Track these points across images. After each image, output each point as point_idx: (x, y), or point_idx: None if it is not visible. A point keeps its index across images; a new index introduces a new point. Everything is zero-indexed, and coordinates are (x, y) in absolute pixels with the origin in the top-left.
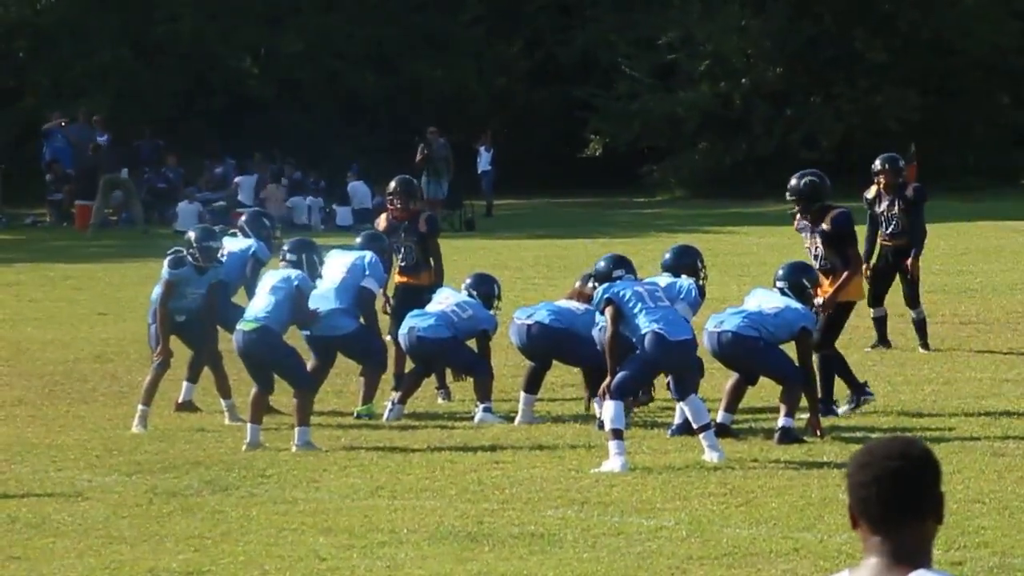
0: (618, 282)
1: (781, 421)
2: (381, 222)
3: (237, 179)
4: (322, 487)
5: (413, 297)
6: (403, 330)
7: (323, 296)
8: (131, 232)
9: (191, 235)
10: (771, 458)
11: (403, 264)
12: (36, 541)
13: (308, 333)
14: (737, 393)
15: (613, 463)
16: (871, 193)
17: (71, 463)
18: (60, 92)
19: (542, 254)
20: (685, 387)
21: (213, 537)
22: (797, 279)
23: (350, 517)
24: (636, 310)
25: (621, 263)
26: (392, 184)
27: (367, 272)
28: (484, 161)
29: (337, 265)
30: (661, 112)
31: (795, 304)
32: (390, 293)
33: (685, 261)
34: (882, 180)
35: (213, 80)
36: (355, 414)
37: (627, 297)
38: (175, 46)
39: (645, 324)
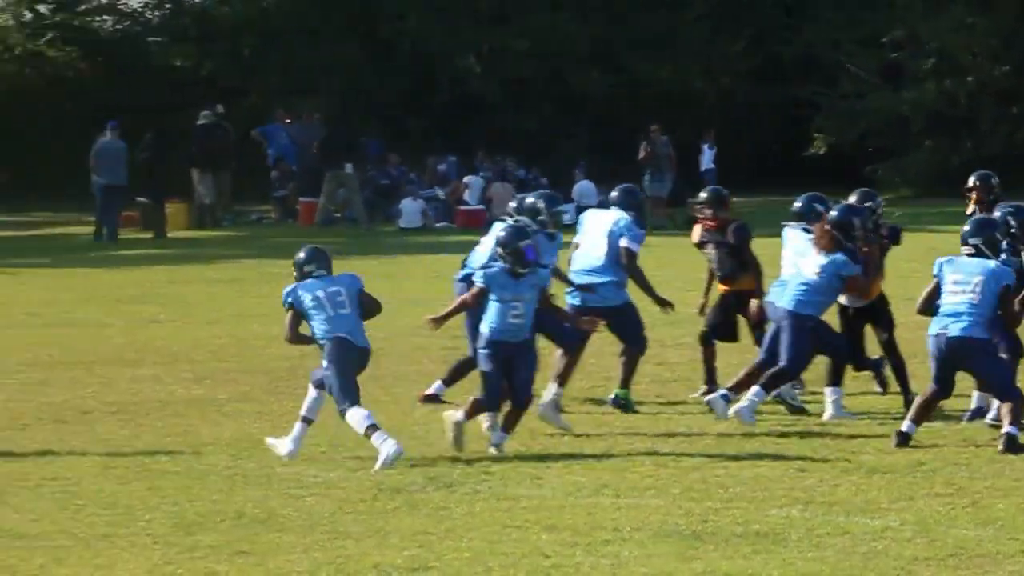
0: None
1: (1005, 428)
2: (695, 233)
3: (466, 179)
4: (545, 484)
5: (736, 302)
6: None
7: (594, 268)
8: (354, 229)
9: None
10: (996, 459)
11: (720, 273)
12: (263, 536)
13: (578, 303)
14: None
15: None
16: (968, 210)
17: (297, 458)
18: (286, 90)
19: (765, 253)
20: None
21: (438, 533)
22: (989, 234)
23: (574, 515)
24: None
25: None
26: (703, 194)
27: (623, 234)
28: (707, 159)
29: (596, 231)
30: (886, 111)
31: (991, 263)
32: (711, 300)
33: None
34: (973, 196)
35: (437, 78)
36: (613, 397)
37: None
38: (400, 44)
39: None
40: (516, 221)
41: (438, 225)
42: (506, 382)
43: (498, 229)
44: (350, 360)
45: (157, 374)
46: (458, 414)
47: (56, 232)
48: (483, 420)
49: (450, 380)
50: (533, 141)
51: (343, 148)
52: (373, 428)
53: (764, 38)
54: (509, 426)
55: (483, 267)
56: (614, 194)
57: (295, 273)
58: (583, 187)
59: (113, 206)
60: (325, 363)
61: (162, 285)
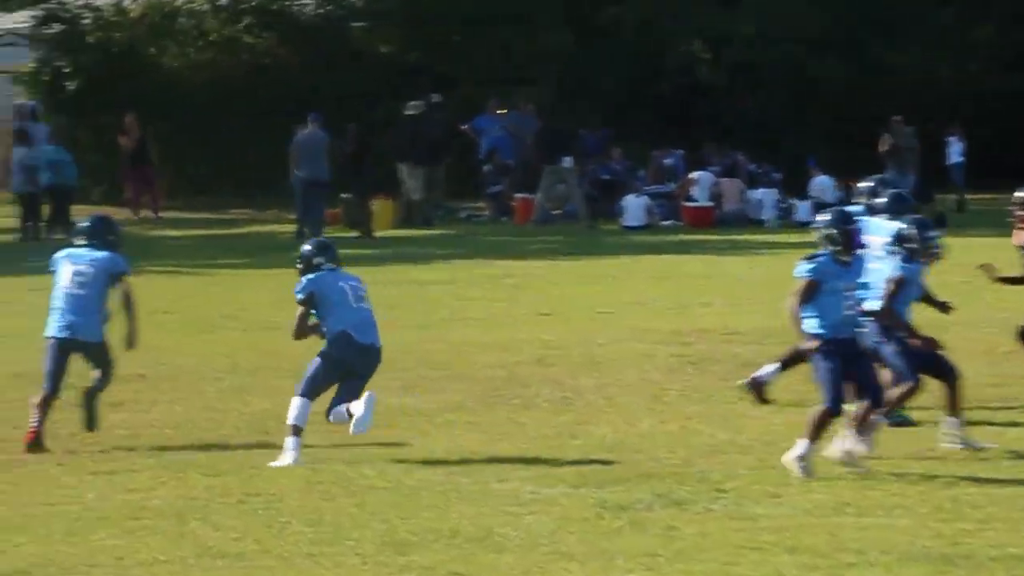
0: None
1: None
2: (1017, 236)
3: (694, 175)
4: (784, 502)
5: None
6: None
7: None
8: (574, 227)
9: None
10: None
11: None
12: (479, 556)
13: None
14: None
15: None
16: None
17: (513, 473)
18: (499, 79)
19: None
20: None
21: (667, 555)
22: None
23: (814, 535)
24: None
25: None
26: (1018, 193)
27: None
28: (955, 152)
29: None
30: None
31: None
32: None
33: None
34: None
35: (661, 66)
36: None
37: None
38: (621, 30)
39: None
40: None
41: (664, 223)
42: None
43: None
44: (343, 359)
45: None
46: (844, 444)
47: (256, 231)
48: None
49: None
50: (764, 132)
51: (561, 141)
52: (295, 430)
53: (1015, 23)
54: (866, 428)
55: (806, 259)
56: (881, 199)
57: (300, 266)
58: (821, 182)
59: (316, 202)
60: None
61: (369, 287)
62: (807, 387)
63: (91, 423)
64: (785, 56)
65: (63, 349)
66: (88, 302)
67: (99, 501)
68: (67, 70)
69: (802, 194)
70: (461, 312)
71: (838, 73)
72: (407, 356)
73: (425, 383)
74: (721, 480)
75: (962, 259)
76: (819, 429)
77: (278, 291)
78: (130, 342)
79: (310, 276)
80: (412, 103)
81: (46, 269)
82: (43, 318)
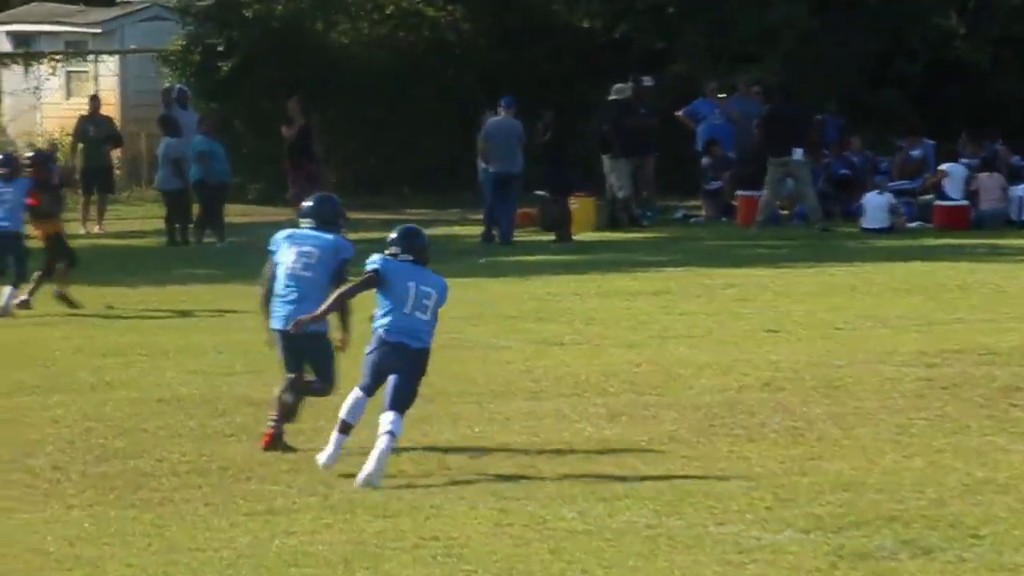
0: None
1: None
2: None
3: (945, 167)
4: None
5: None
6: None
7: None
8: (805, 230)
9: None
10: None
11: None
12: None
13: None
14: None
15: None
16: None
17: (735, 516)
18: (719, 57)
19: None
20: None
21: None
22: None
23: None
24: None
25: None
26: None
27: None
28: None
29: None
30: None
31: None
32: None
33: None
34: None
35: (910, 41)
36: None
37: None
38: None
39: None
40: None
41: (910, 225)
42: None
43: None
44: (385, 364)
45: (560, 408)
46: None
47: (436, 233)
48: None
49: None
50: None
51: (792, 129)
52: (342, 426)
53: None
54: None
55: None
56: None
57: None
58: None
59: (507, 201)
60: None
61: (566, 298)
62: None
63: (290, 414)
64: None
65: (289, 340)
66: (312, 287)
67: (253, 546)
68: (220, 48)
69: None
70: (674, 328)
71: None
72: (612, 379)
73: (633, 410)
74: (976, 525)
75: None
76: None
77: (463, 303)
78: (343, 343)
79: (385, 257)
80: (618, 86)
81: (193, 277)
82: (191, 335)
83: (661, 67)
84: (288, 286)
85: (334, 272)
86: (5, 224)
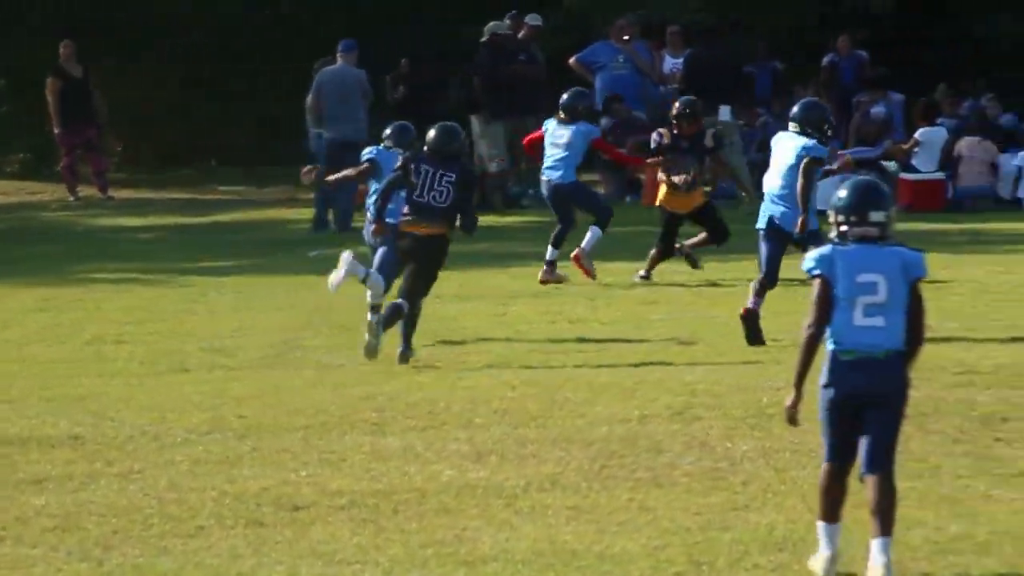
0: None
1: None
2: None
3: (920, 132)
4: None
5: None
6: None
7: None
8: (732, 212)
9: None
10: None
11: None
12: None
13: None
14: None
15: None
16: None
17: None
18: None
19: None
20: None
21: None
22: None
23: None
24: None
25: None
26: None
27: None
28: None
29: None
30: None
31: None
32: None
33: None
34: None
35: None
36: None
37: None
38: None
39: None
40: None
41: None
42: None
43: None
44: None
45: (412, 445)
46: None
47: (254, 219)
48: None
49: None
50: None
51: (716, 81)
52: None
53: None
54: None
55: None
56: None
57: None
58: None
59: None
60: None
61: (423, 302)
62: None
63: None
64: None
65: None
66: None
67: None
68: None
69: None
70: (560, 340)
71: None
72: (479, 407)
73: (505, 447)
74: None
75: None
76: None
77: (290, 309)
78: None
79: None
80: (491, 25)
81: None
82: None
83: (553, 2)
84: None
85: None
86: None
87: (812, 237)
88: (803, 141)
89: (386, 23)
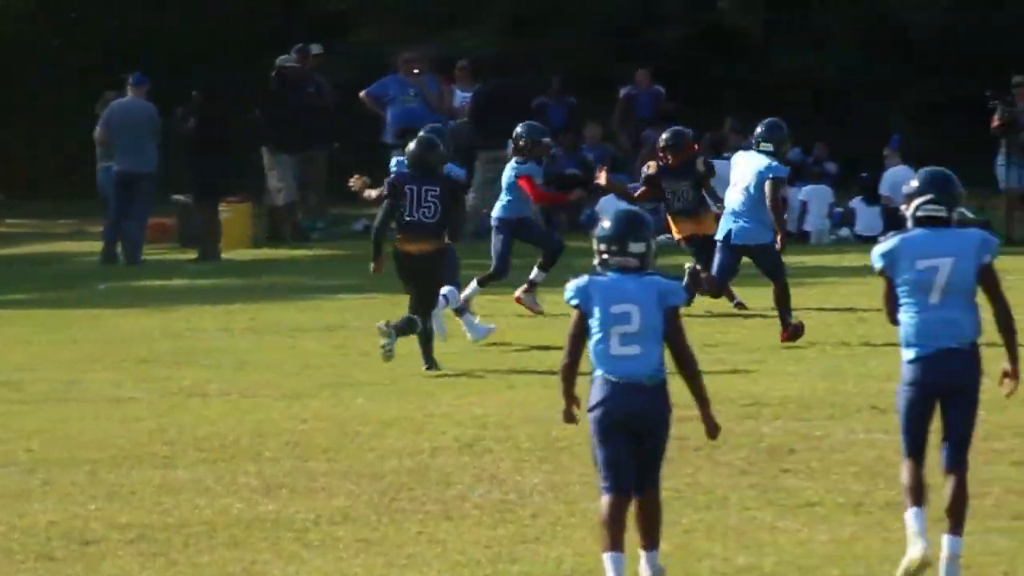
0: None
1: None
2: None
3: None
4: None
5: None
6: None
7: None
8: (522, 244)
9: None
10: None
11: None
12: None
13: None
14: None
15: None
16: None
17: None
18: (416, 19)
19: None
20: None
21: None
22: None
23: None
24: None
25: None
26: None
27: None
28: None
29: None
30: None
31: None
32: None
33: None
34: None
35: (664, 3)
36: None
37: None
38: None
39: None
40: None
41: (658, 238)
42: None
43: None
44: None
45: (202, 478)
46: None
47: (39, 252)
48: None
49: None
50: (816, 99)
51: (507, 114)
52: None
53: None
54: None
55: None
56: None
57: None
58: (896, 176)
59: (135, 208)
60: None
61: (212, 336)
62: None
63: None
64: None
65: None
66: None
67: None
68: None
69: (869, 195)
70: (351, 374)
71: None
72: (269, 440)
73: (295, 480)
74: None
75: None
76: None
77: (78, 343)
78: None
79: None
80: (281, 58)
81: None
82: None
83: (342, 32)
84: None
85: None
86: None
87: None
88: (765, 162)
89: (181, 58)
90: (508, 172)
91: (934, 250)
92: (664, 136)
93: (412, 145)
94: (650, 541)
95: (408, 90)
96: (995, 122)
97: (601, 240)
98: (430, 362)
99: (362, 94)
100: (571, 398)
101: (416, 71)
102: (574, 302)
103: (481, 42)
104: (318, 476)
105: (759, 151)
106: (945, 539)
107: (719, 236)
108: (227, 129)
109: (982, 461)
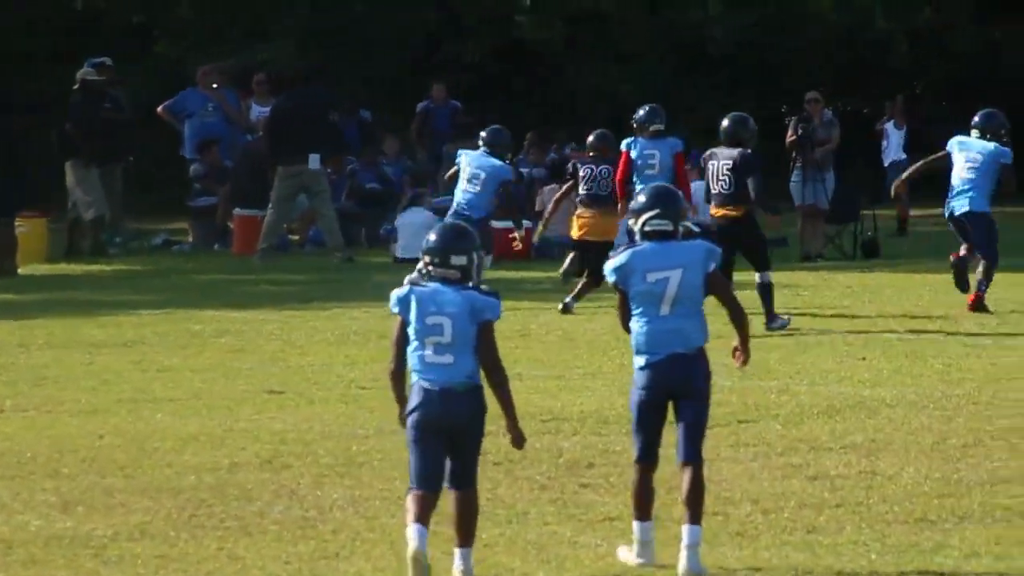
0: None
1: None
2: None
3: None
4: None
5: None
6: None
7: None
8: (323, 260)
9: None
10: None
11: None
12: None
13: None
14: None
15: None
16: None
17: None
18: (215, 34)
19: (991, 295)
20: None
21: None
22: None
23: None
24: None
25: None
26: None
27: None
28: (894, 145)
29: None
30: None
31: None
32: None
33: None
34: None
35: (462, 15)
36: None
37: None
38: None
39: None
40: None
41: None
42: None
43: None
44: None
45: None
46: None
47: None
48: None
49: None
50: (614, 111)
51: (306, 130)
52: None
53: None
54: None
55: None
56: None
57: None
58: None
59: None
60: None
61: (7, 351)
62: None
63: None
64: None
65: None
66: None
67: None
68: None
69: None
70: (149, 389)
71: (726, 28)
72: (66, 456)
73: (93, 496)
74: None
75: (904, 304)
76: None
77: None
78: None
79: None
80: (83, 70)
81: None
82: None
83: (141, 45)
84: None
85: None
86: None
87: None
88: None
89: None
90: None
91: (663, 263)
92: (591, 139)
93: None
94: (465, 538)
95: (207, 104)
96: (790, 138)
97: (425, 252)
98: None
99: (160, 108)
100: (402, 401)
101: (215, 85)
102: (395, 310)
103: (279, 56)
104: (116, 492)
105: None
106: (685, 528)
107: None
108: (12, 143)
109: (779, 475)
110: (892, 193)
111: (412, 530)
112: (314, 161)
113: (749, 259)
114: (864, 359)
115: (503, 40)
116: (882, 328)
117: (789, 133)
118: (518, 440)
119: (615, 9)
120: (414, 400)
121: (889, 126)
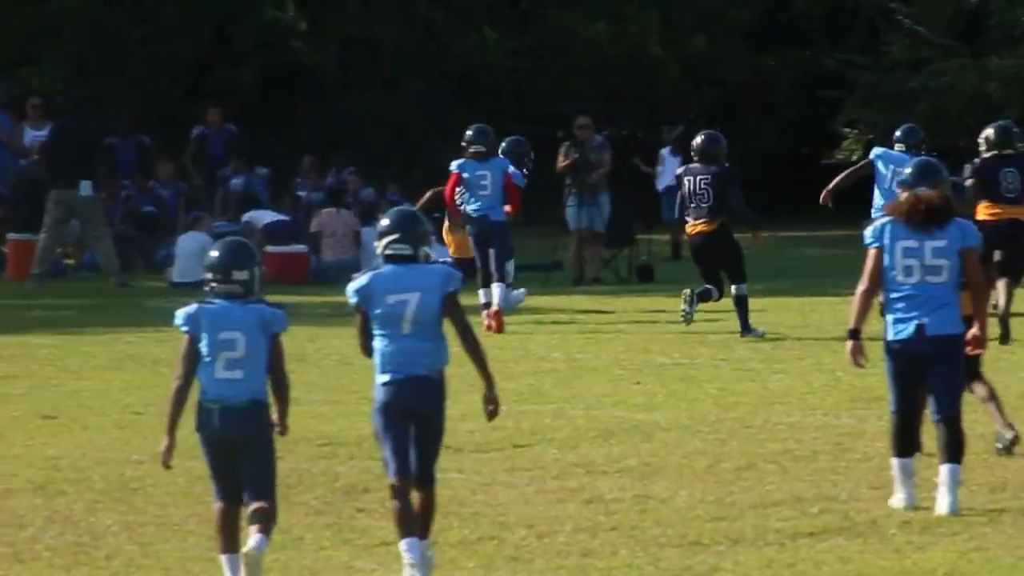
0: None
1: None
2: None
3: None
4: None
5: None
6: None
7: None
8: (98, 284)
9: None
10: None
11: None
12: None
13: None
14: None
15: None
16: None
17: None
18: None
19: (762, 320)
20: None
21: None
22: None
23: None
24: None
25: None
26: None
27: None
28: (669, 171)
29: None
30: (962, 90)
31: None
32: None
33: None
34: None
35: (236, 39)
36: None
37: None
38: None
39: None
40: None
41: None
42: None
43: None
44: None
45: None
46: None
47: None
48: None
49: None
50: (391, 139)
51: (79, 156)
52: None
53: None
54: None
55: None
56: None
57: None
58: None
59: None
60: None
61: None
62: None
63: None
64: (421, 28)
65: None
66: None
67: None
68: None
69: None
70: None
71: (500, 53)
72: None
73: None
74: None
75: (664, 331)
76: None
77: None
78: None
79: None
80: None
81: None
82: None
83: None
84: None
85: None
86: None
87: None
88: None
89: None
90: None
91: (402, 285)
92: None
93: None
94: (264, 531)
95: None
96: (562, 163)
97: (207, 269)
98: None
99: None
100: (172, 435)
101: None
102: (184, 328)
103: (52, 81)
104: None
105: None
106: (409, 542)
107: None
108: None
109: (555, 499)
110: (820, 202)
111: (225, 562)
112: (85, 188)
113: (725, 270)
114: (639, 383)
115: (279, 64)
116: (656, 352)
117: (561, 158)
118: (283, 429)
119: (390, 34)
120: (199, 419)
121: (665, 152)
